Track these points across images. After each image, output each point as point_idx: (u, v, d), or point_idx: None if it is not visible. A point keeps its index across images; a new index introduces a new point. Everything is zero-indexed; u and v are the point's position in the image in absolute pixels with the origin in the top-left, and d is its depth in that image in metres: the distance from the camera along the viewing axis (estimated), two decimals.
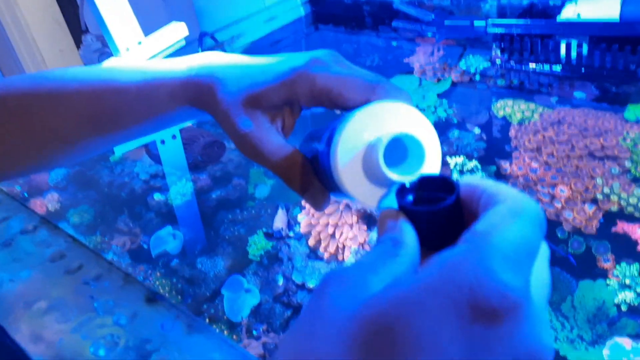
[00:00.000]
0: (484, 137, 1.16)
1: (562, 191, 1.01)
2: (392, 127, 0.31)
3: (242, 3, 1.92)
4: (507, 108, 1.19)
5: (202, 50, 1.31)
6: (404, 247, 0.24)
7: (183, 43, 1.36)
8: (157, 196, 1.20)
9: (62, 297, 0.54)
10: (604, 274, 0.90)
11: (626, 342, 0.80)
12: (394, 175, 0.29)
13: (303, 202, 1.03)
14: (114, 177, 1.28)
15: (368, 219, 0.96)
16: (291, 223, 1.04)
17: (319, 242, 0.96)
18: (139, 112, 0.41)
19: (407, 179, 0.28)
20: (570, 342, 0.83)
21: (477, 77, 1.31)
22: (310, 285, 0.88)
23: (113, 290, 0.53)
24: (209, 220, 1.15)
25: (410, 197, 0.28)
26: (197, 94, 0.38)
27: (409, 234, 0.24)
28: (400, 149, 0.31)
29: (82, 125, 0.42)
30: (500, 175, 1.07)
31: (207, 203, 1.18)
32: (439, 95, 1.28)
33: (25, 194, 1.27)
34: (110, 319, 0.51)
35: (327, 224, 0.96)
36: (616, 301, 0.86)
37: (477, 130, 1.17)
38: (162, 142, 1.20)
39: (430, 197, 0.27)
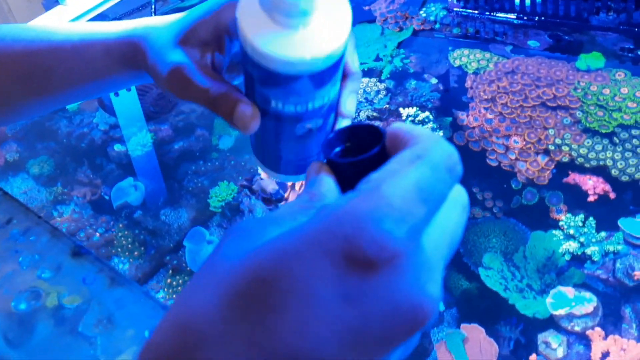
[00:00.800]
0: (441, 87, 1.18)
1: (516, 142, 1.05)
2: None
3: None
4: (463, 57, 1.20)
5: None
6: (321, 199, 0.23)
7: None
8: (118, 147, 1.20)
9: None
10: (556, 225, 0.93)
11: (569, 291, 0.84)
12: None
13: None
14: (73, 128, 1.27)
15: None
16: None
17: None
18: (74, 71, 0.40)
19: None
20: (520, 291, 0.87)
21: (437, 26, 1.31)
22: None
23: (39, 244, 0.53)
24: (171, 172, 1.15)
25: (338, 149, 0.27)
26: (131, 52, 0.38)
27: (327, 186, 0.24)
28: None
29: (15, 84, 0.41)
30: (456, 127, 1.09)
31: (169, 154, 1.18)
32: (400, 44, 1.28)
33: None
34: (34, 274, 0.51)
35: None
36: (561, 251, 0.90)
37: (434, 81, 1.19)
38: (116, 94, 1.18)
39: (360, 147, 0.26)
